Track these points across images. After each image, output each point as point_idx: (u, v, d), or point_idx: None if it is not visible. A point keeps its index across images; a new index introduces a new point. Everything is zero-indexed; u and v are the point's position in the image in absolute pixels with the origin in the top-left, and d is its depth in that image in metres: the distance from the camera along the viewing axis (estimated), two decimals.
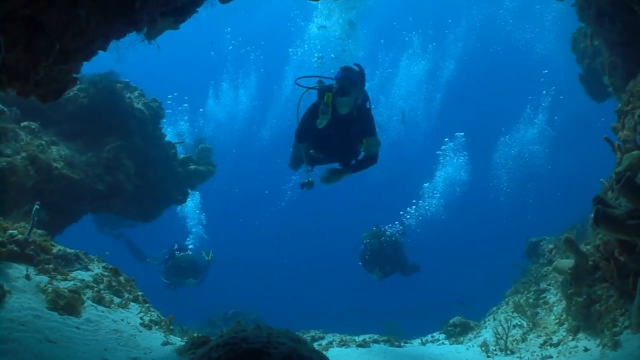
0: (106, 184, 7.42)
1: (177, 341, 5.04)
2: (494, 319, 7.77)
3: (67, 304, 4.38)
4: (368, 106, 5.97)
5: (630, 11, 5.58)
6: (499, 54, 26.01)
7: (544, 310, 6.73)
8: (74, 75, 3.55)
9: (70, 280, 4.96)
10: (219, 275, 16.62)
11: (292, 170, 6.81)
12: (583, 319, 5.23)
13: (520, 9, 20.69)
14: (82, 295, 4.78)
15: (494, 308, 8.51)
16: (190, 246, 13.99)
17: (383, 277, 11.67)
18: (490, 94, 30.38)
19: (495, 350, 6.48)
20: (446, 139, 18.51)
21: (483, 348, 6.61)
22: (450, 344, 7.76)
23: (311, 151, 6.08)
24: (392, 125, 20.31)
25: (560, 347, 5.42)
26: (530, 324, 6.55)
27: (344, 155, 6.12)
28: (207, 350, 2.53)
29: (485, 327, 7.80)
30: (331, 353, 6.84)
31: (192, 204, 15.92)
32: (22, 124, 6.56)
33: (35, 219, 4.89)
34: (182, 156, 9.93)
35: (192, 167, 10.06)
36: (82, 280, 5.11)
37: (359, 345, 7.20)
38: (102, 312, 4.81)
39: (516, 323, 6.82)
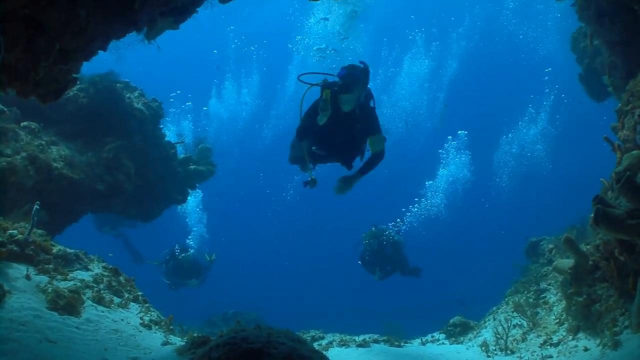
0: (106, 184, 7.43)
1: (177, 341, 5.04)
2: (494, 319, 7.76)
3: (67, 304, 4.38)
4: (372, 105, 5.90)
5: (630, 11, 5.58)
6: (501, 53, 26.01)
7: (544, 310, 6.72)
8: (74, 75, 3.55)
9: (70, 280, 4.96)
10: (219, 275, 16.62)
11: (292, 165, 6.67)
12: (583, 318, 5.23)
13: (523, 8, 20.68)
14: (82, 295, 4.78)
15: (494, 308, 8.51)
16: (192, 246, 13.99)
17: (384, 277, 11.66)
18: (492, 93, 30.39)
19: (495, 350, 6.48)
20: (449, 137, 18.47)
21: (483, 348, 6.61)
22: (450, 344, 7.76)
23: (313, 148, 5.98)
24: (395, 125, 20.33)
25: (560, 347, 5.42)
26: (531, 323, 6.54)
27: (347, 153, 6.04)
28: (207, 350, 2.53)
29: (485, 327, 7.79)
30: (331, 353, 6.84)
31: (194, 202, 15.93)
32: (22, 124, 6.56)
33: (35, 219, 4.89)
34: (182, 156, 9.94)
35: (192, 167, 10.06)
36: (82, 280, 5.11)
37: (359, 345, 7.20)
38: (102, 312, 4.81)
39: (516, 323, 6.82)
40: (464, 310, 9.78)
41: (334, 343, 7.48)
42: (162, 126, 9.31)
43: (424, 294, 22.77)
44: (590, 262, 5.27)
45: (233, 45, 22.86)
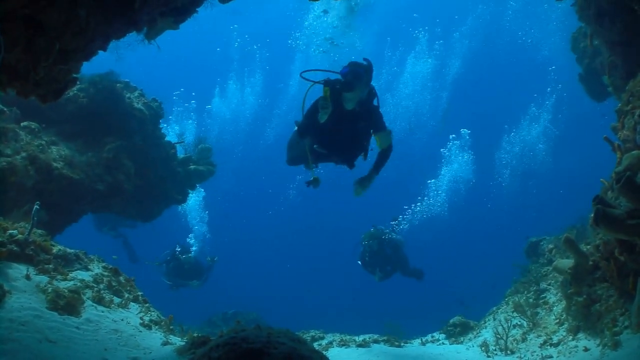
0: (106, 184, 7.43)
1: (177, 341, 5.04)
2: (494, 319, 7.76)
3: (67, 304, 4.38)
4: (376, 103, 5.83)
5: (630, 11, 5.58)
6: (504, 52, 26.02)
7: (544, 310, 6.72)
8: (74, 75, 3.55)
9: (70, 280, 4.96)
10: (219, 275, 16.62)
11: (290, 167, 6.56)
12: (583, 318, 5.23)
13: (526, 8, 20.67)
14: (82, 295, 4.78)
15: (494, 308, 8.50)
16: (193, 247, 13.98)
17: (384, 278, 11.64)
18: (495, 92, 30.37)
19: (495, 350, 6.48)
20: (452, 136, 18.44)
21: (483, 348, 6.61)
22: (450, 344, 7.75)
23: (315, 146, 5.90)
24: (398, 124, 20.33)
25: (560, 347, 5.42)
26: (530, 323, 6.54)
27: (349, 151, 5.98)
28: (207, 350, 2.52)
29: (485, 327, 7.79)
30: (331, 353, 6.84)
31: (195, 201, 15.92)
32: (22, 124, 6.56)
33: (35, 219, 4.89)
34: (182, 156, 9.94)
35: (192, 167, 10.07)
36: (82, 280, 5.11)
37: (359, 345, 7.20)
38: (102, 312, 4.81)
39: (516, 323, 6.82)
40: (464, 310, 9.78)
41: (334, 343, 7.48)
42: (163, 125, 9.32)
43: (424, 294, 22.75)
44: (590, 262, 5.27)
45: (236, 44, 22.86)
